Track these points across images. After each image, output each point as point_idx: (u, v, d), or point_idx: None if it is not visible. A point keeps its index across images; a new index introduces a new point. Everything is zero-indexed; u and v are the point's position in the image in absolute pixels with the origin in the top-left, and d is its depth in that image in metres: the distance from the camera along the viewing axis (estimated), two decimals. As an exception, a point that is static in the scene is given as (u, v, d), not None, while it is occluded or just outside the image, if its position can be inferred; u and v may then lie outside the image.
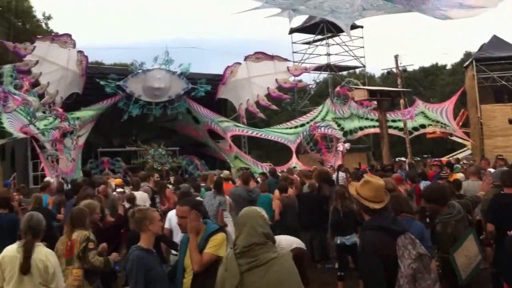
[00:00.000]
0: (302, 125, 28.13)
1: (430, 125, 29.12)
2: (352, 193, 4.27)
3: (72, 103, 23.04)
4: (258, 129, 29.19)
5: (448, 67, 57.24)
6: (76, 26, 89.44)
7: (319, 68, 37.74)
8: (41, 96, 20.99)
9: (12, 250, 5.16)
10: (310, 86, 39.86)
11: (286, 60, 28.16)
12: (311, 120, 28.08)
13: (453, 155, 31.50)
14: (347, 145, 24.05)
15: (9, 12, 34.84)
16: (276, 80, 27.28)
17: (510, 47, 30.94)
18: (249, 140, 30.69)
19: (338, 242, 8.86)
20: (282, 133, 27.81)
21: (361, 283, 4.46)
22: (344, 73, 45.72)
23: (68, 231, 6.00)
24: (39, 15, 45.69)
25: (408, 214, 5.70)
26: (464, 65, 35.42)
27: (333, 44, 40.26)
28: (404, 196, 6.36)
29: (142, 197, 10.37)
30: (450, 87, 45.45)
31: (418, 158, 30.78)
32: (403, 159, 25.61)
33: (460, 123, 31.88)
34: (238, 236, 3.74)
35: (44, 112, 19.97)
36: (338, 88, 28.78)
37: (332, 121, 27.69)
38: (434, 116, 28.91)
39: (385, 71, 39.68)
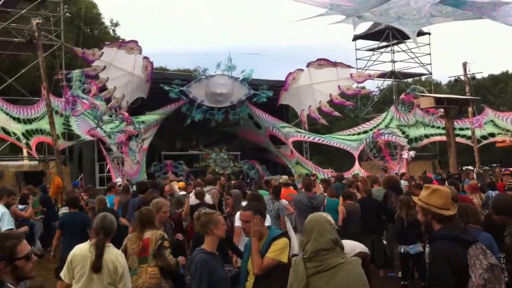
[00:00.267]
0: (365, 131, 27.77)
1: (500, 133, 28.22)
2: (419, 204, 4.18)
3: (138, 107, 23.54)
4: (320, 135, 29.00)
5: (520, 75, 55.23)
6: (142, 32, 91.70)
7: (383, 75, 37.19)
8: (107, 100, 21.53)
9: (84, 248, 5.27)
10: (374, 93, 39.27)
11: (349, 66, 27.88)
12: (375, 127, 27.69)
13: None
14: (412, 152, 23.35)
15: (78, 19, 36.03)
16: (339, 86, 27.05)
17: None
18: (310, 146, 30.55)
19: (402, 250, 8.76)
20: (345, 140, 27.53)
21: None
22: (409, 80, 44.90)
23: (138, 231, 6.07)
24: (107, 22, 47.15)
25: (475, 225, 5.51)
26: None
27: (398, 51, 39.66)
28: (472, 207, 6.16)
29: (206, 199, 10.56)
30: (521, 96, 43.93)
31: (487, 167, 29.85)
32: (470, 168, 24.90)
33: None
34: (306, 242, 3.79)
35: (110, 116, 20.46)
36: (403, 95, 28.20)
37: (396, 128, 27.21)
38: (504, 124, 28.02)
39: (453, 78, 38.70)
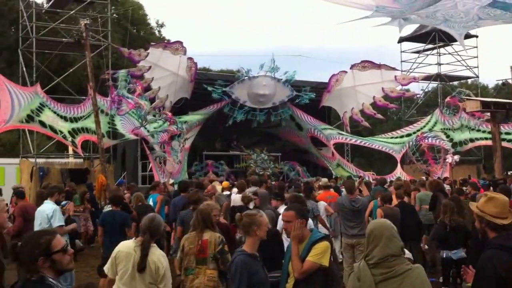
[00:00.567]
0: (409, 135, 27.44)
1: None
2: (474, 211, 4.13)
3: (181, 107, 23.81)
4: (362, 138, 28.77)
5: None
6: (186, 33, 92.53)
7: (428, 78, 36.62)
8: (152, 100, 21.83)
9: (128, 246, 5.34)
10: (418, 95, 38.66)
11: (393, 69, 27.59)
12: (418, 130, 27.33)
13: None
14: (456, 157, 23.09)
15: (125, 20, 36.63)
16: (383, 89, 26.80)
17: None
18: (352, 148, 30.34)
19: (444, 256, 8.66)
20: (387, 142, 27.25)
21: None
22: (455, 83, 44.07)
23: (198, 231, 6.05)
24: (152, 23, 47.83)
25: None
26: None
27: (445, 54, 38.95)
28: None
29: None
30: None
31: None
32: (516, 173, 24.34)
33: None
34: (373, 248, 3.74)
35: (154, 116, 20.74)
36: (448, 98, 27.74)
37: (440, 131, 26.80)
38: (552, 128, 27.24)
39: (500, 81, 37.87)
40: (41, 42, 23.26)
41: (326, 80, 27.05)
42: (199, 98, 24.55)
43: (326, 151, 27.31)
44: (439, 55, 38.19)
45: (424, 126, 27.72)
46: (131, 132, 20.61)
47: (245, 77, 24.71)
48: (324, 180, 14.32)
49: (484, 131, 26.91)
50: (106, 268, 5.42)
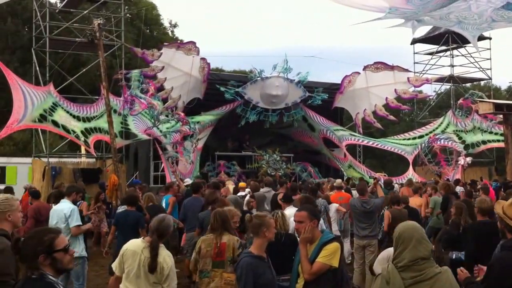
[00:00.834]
0: (421, 136, 27.32)
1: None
2: (498, 212, 4.13)
3: (193, 107, 23.86)
4: (374, 139, 28.69)
5: None
6: (199, 33, 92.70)
7: (441, 80, 36.48)
8: (164, 100, 21.87)
9: (136, 245, 5.39)
10: (430, 97, 38.48)
11: (406, 70, 27.46)
12: (431, 132, 27.22)
13: None
14: (468, 159, 22.98)
15: (138, 20, 36.79)
16: (395, 90, 26.70)
17: None
18: (364, 150, 30.26)
19: (454, 257, 8.61)
20: (399, 144, 27.16)
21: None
22: (468, 85, 43.82)
23: (217, 234, 5.94)
24: (166, 23, 48.00)
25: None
26: None
27: (458, 55, 38.75)
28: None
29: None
30: None
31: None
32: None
33: None
34: (402, 250, 3.70)
35: (167, 116, 20.79)
36: (461, 100, 27.61)
37: (453, 133, 26.67)
38: None
39: (513, 83, 37.58)
40: (55, 42, 23.41)
41: (339, 81, 27.00)
42: (211, 99, 24.59)
43: (338, 152, 27.25)
44: (452, 57, 38.01)
45: (437, 128, 27.59)
46: (144, 132, 20.68)
47: (258, 78, 24.71)
48: (338, 181, 14.41)
49: (496, 133, 26.78)
50: (113, 266, 5.49)
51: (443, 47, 37.53)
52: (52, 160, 21.65)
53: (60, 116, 19.27)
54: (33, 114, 18.25)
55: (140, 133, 20.92)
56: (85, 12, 25.73)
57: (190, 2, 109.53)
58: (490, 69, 38.36)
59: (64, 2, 24.75)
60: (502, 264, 3.86)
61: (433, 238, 11.14)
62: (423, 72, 37.74)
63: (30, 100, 18.09)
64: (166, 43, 24.90)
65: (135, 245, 5.39)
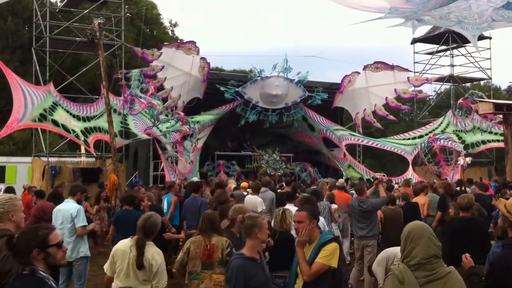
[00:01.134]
0: (421, 136, 27.33)
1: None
2: (501, 210, 4.16)
3: (193, 107, 23.89)
4: (374, 139, 28.70)
5: None
6: (199, 33, 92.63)
7: (441, 79, 36.46)
8: (164, 100, 21.89)
9: (125, 245, 5.48)
10: (430, 97, 38.46)
11: (406, 70, 27.47)
12: (430, 132, 27.22)
13: None
14: (468, 159, 22.97)
15: (138, 19, 36.76)
16: (395, 90, 26.71)
17: None
18: (363, 149, 30.26)
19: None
20: (399, 144, 27.16)
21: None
22: (468, 84, 43.81)
23: (206, 236, 5.86)
24: (166, 23, 47.97)
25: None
26: None
27: (458, 55, 38.74)
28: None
29: (255, 201, 10.57)
30: None
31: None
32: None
33: None
34: (412, 248, 3.69)
35: (166, 115, 20.81)
36: (461, 100, 27.61)
37: (452, 133, 26.67)
38: None
39: (513, 83, 37.55)
40: (55, 41, 23.43)
41: (339, 81, 27.02)
42: (211, 98, 24.61)
43: (338, 152, 27.27)
44: (452, 57, 37.99)
45: (436, 128, 27.60)
46: (144, 131, 20.70)
47: (258, 78, 24.73)
48: (341, 180, 14.54)
49: (496, 133, 26.78)
50: (105, 267, 5.56)
51: (443, 47, 37.50)
52: (52, 159, 21.65)
53: (60, 115, 19.29)
54: (33, 113, 18.26)
55: (140, 133, 20.94)
56: (85, 11, 25.72)
57: (190, 2, 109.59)
58: (490, 68, 38.35)
59: (65, 1, 24.75)
60: (504, 262, 3.89)
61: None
62: (423, 71, 37.72)
63: (30, 100, 18.10)
64: (166, 43, 24.94)
65: (124, 245, 5.47)
